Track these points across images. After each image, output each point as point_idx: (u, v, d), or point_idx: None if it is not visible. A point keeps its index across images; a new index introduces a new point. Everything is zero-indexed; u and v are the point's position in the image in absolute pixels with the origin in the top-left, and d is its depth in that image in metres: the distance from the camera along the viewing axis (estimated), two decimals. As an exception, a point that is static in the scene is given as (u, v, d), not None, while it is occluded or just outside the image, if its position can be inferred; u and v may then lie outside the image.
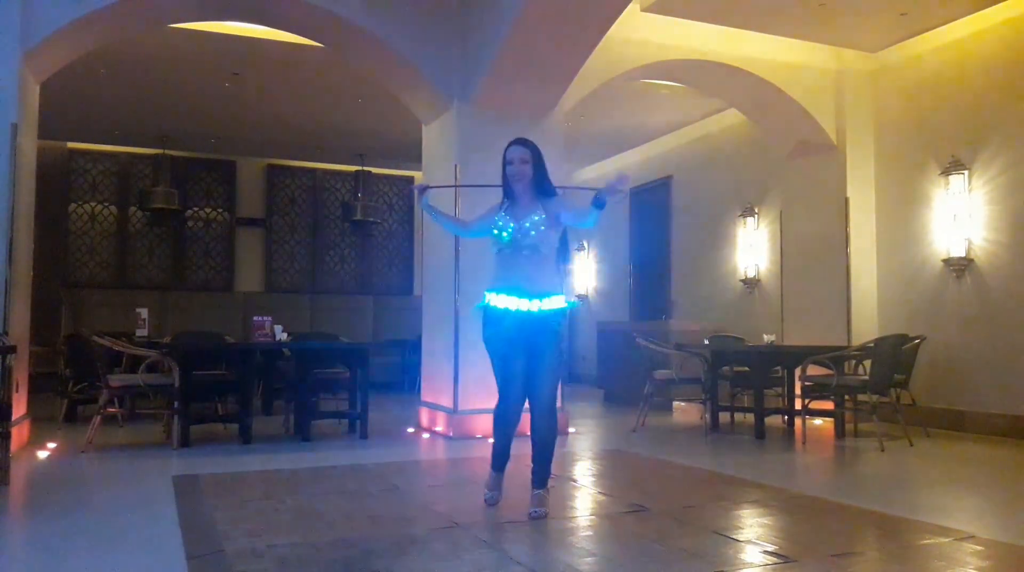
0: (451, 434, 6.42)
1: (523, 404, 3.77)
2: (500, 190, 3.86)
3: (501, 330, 3.68)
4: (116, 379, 5.84)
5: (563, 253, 3.83)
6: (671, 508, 3.94)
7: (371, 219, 12.10)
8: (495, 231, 3.71)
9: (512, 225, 3.67)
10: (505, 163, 3.76)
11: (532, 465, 3.78)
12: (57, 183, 10.68)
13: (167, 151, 10.98)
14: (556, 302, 3.69)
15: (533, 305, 3.64)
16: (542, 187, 3.75)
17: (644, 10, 6.76)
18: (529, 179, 3.72)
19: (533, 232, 3.65)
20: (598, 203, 3.38)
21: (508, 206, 3.77)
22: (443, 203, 6.78)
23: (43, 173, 6.95)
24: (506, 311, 3.66)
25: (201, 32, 6.91)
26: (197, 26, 6.78)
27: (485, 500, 3.91)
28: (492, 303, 3.70)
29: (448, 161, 6.68)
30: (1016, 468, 5.43)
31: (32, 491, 4.51)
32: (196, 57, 7.61)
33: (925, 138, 7.28)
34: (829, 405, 6.79)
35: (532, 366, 3.69)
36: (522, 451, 3.96)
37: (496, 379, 3.77)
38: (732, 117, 9.20)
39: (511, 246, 3.67)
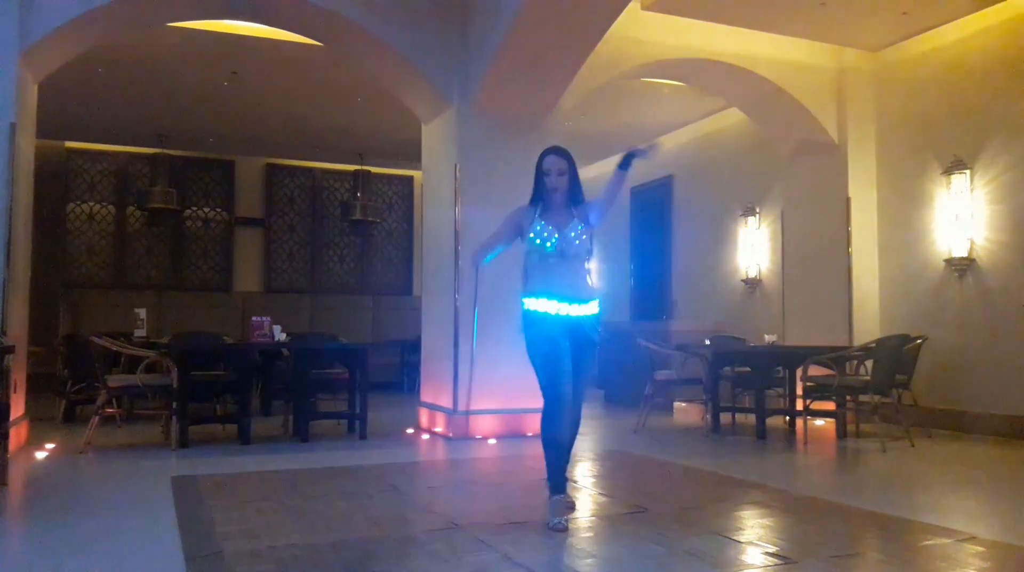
0: (451, 435, 6.40)
1: (571, 402, 3.61)
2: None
3: (546, 332, 3.63)
4: (114, 379, 5.83)
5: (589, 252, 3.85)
6: (672, 509, 3.92)
7: (370, 219, 12.07)
8: (536, 240, 3.70)
9: (556, 235, 3.69)
10: (542, 173, 3.78)
11: None
12: (55, 183, 10.66)
13: (165, 150, 10.95)
14: (595, 307, 3.74)
15: (578, 310, 3.67)
16: (575, 196, 3.82)
17: (645, 8, 6.74)
18: (566, 189, 3.77)
19: (578, 241, 3.71)
20: (624, 165, 3.57)
21: (543, 213, 3.76)
22: (443, 201, 6.78)
23: (41, 173, 6.94)
24: (553, 316, 3.63)
25: (200, 31, 6.89)
26: (196, 25, 6.76)
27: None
28: (535, 308, 3.67)
29: (448, 161, 6.66)
30: (1018, 469, 5.40)
31: (30, 492, 4.49)
32: (195, 56, 7.58)
33: (927, 137, 7.26)
34: (831, 406, 6.77)
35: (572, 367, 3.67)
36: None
37: (541, 381, 3.64)
38: (733, 116, 9.18)
39: (557, 254, 3.69)
